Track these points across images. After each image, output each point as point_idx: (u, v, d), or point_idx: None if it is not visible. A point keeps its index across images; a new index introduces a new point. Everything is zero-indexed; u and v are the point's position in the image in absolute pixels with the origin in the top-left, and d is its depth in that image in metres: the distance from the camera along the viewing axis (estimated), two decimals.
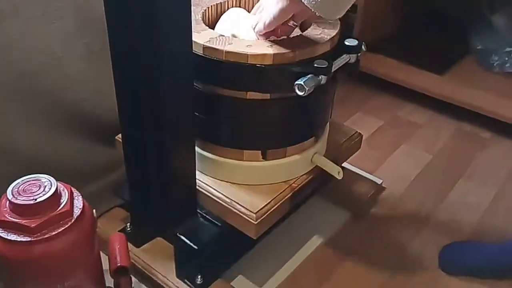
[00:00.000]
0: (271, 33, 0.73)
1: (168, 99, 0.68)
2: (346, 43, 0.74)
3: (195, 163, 0.76)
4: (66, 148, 0.90)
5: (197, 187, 0.78)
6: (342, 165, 0.90)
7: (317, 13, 0.64)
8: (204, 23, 0.75)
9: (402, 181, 1.15)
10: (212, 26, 0.79)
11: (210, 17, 0.80)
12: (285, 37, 0.74)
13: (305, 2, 0.64)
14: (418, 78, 1.40)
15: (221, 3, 0.81)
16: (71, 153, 0.91)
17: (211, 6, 0.80)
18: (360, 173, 1.12)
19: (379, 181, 1.11)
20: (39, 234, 0.59)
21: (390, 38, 1.54)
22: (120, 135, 0.87)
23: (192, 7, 0.64)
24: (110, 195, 0.95)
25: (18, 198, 0.59)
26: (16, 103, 0.80)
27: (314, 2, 0.63)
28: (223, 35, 0.71)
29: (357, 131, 0.94)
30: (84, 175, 0.93)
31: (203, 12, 0.77)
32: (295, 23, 0.73)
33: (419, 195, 1.12)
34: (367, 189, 1.06)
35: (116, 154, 0.94)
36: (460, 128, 1.34)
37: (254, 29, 0.74)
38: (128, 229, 0.88)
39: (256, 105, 0.71)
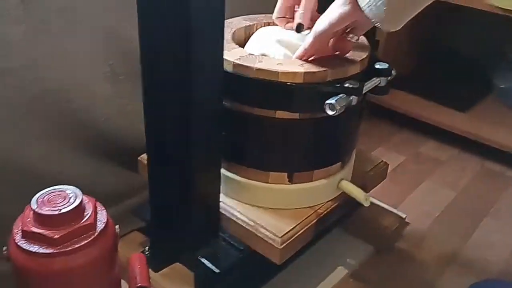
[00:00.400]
0: (322, 48, 0.69)
1: (196, 117, 0.67)
2: (377, 66, 0.73)
3: (220, 184, 0.75)
4: (86, 170, 0.90)
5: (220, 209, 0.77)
6: None
7: (377, 24, 0.61)
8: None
9: (426, 218, 1.13)
10: (240, 47, 0.79)
11: (239, 38, 0.81)
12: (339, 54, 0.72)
13: (365, 11, 0.60)
14: (440, 115, 1.39)
15: (249, 25, 0.82)
16: (91, 175, 0.91)
17: (240, 28, 0.81)
18: (384, 206, 1.09)
19: (403, 215, 1.08)
20: (61, 246, 0.57)
21: (411, 75, 1.54)
22: (143, 156, 0.86)
23: None
24: (129, 218, 0.93)
25: (42, 208, 0.58)
26: (39, 119, 0.80)
27: (376, 12, 0.60)
28: (253, 54, 0.71)
29: (383, 160, 0.92)
30: (103, 198, 0.92)
31: (232, 33, 0.78)
32: (355, 37, 0.69)
33: (444, 232, 1.09)
34: (391, 222, 1.03)
35: (136, 179, 0.93)
36: (484, 166, 1.32)
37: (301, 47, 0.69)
38: (147, 252, 0.86)
39: (284, 124, 0.70)
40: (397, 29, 0.64)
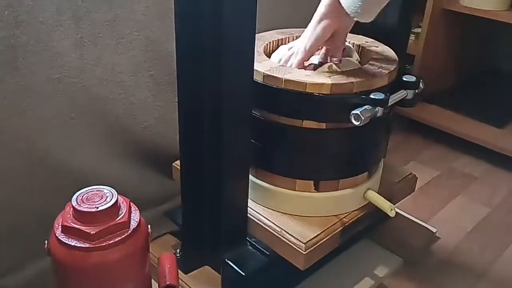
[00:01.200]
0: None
1: (227, 125, 0.70)
2: (404, 79, 0.75)
3: (248, 190, 0.78)
4: (123, 173, 0.94)
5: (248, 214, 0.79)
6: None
7: (356, 18, 0.71)
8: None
9: (457, 233, 1.12)
10: None
11: (270, 51, 0.84)
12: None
13: (348, 11, 0.69)
14: (476, 131, 1.38)
15: (282, 39, 0.85)
16: (128, 178, 0.95)
17: (272, 41, 0.84)
18: (413, 219, 1.09)
19: (433, 230, 1.08)
20: (97, 241, 0.61)
21: (447, 90, 1.54)
22: (177, 162, 0.90)
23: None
24: (163, 221, 0.97)
25: (81, 205, 0.62)
26: (83, 125, 0.85)
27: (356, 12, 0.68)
28: (283, 65, 0.74)
29: (412, 173, 0.93)
30: (138, 201, 0.95)
31: (264, 45, 0.81)
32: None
33: (475, 248, 1.07)
34: (421, 236, 1.03)
35: (170, 184, 0.97)
36: None
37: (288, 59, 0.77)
38: (178, 255, 0.89)
39: (311, 134, 0.73)
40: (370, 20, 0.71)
